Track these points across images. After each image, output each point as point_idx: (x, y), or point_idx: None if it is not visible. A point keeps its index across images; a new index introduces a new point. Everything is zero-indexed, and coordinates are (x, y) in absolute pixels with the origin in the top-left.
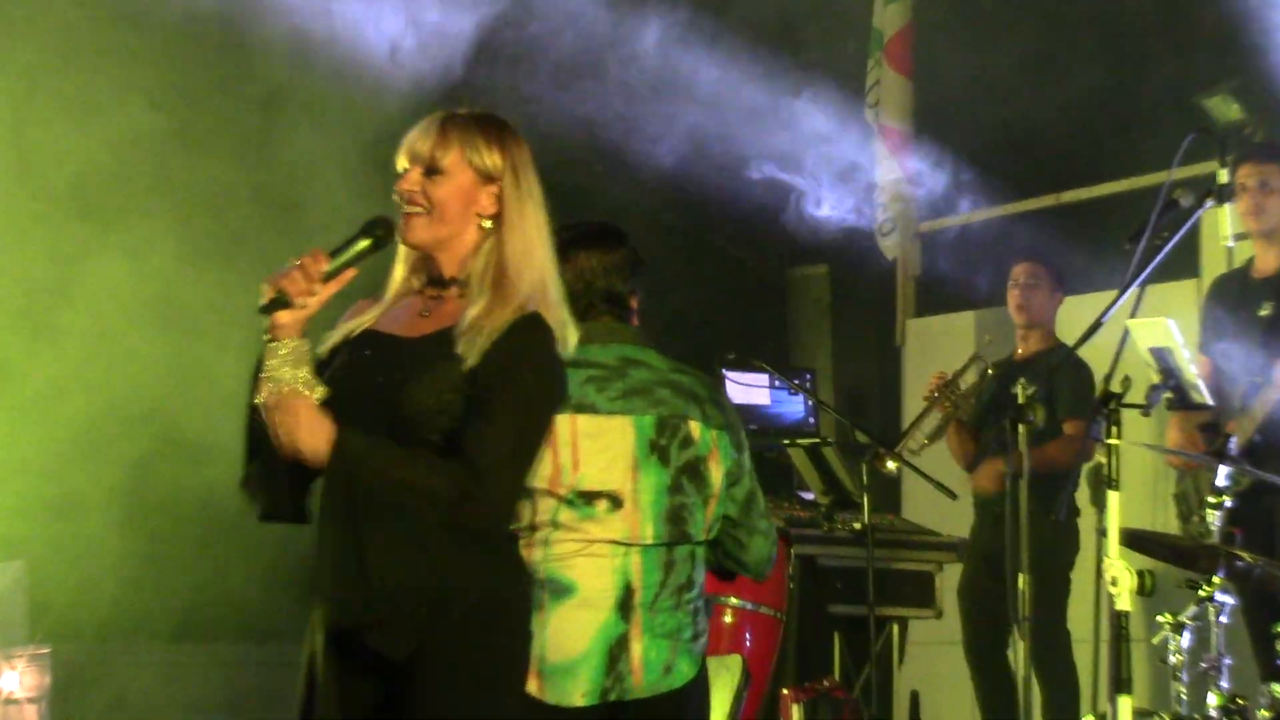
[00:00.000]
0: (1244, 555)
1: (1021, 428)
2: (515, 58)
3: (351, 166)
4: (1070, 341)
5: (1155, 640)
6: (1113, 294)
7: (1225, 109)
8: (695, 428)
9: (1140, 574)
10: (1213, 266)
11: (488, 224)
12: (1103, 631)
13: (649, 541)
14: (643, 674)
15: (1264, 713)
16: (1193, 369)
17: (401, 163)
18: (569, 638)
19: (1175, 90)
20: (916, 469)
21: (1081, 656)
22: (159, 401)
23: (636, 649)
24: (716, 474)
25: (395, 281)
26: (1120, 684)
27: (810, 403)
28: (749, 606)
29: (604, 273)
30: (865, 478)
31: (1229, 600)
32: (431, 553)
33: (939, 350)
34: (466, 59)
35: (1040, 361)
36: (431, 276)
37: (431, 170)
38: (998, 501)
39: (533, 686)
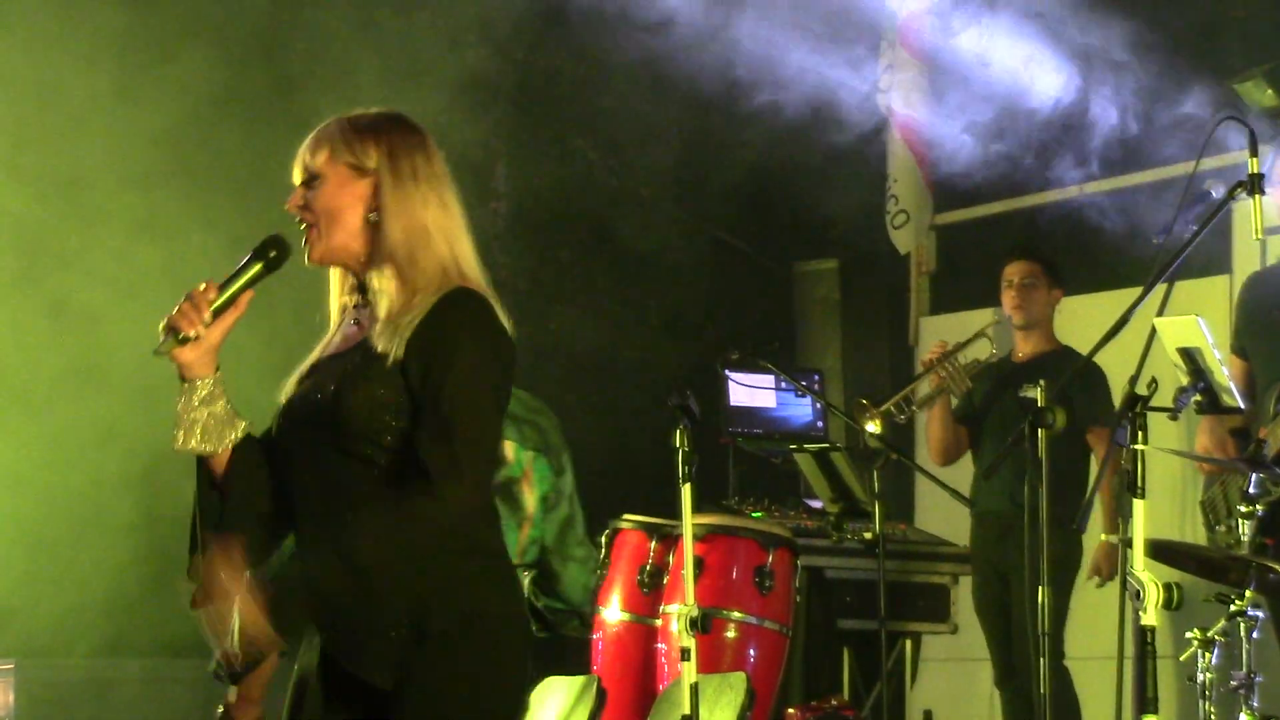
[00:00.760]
0: (1276, 567)
1: (1041, 432)
2: None
3: None
4: (1090, 342)
5: (1183, 657)
6: (1139, 290)
7: (1259, 94)
8: (509, 448)
9: (1167, 587)
10: (1245, 261)
11: (374, 217)
12: (1128, 648)
13: (520, 561)
14: None
15: None
16: (1224, 371)
17: (295, 180)
18: None
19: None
20: (927, 472)
21: (1106, 674)
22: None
23: None
24: (530, 497)
25: (334, 308)
26: (1147, 703)
27: (818, 405)
28: (753, 621)
29: None
30: (876, 485)
31: (1260, 614)
32: (415, 573)
33: None
34: None
35: (1043, 363)
36: (357, 287)
37: (309, 180)
38: (1005, 514)
39: None
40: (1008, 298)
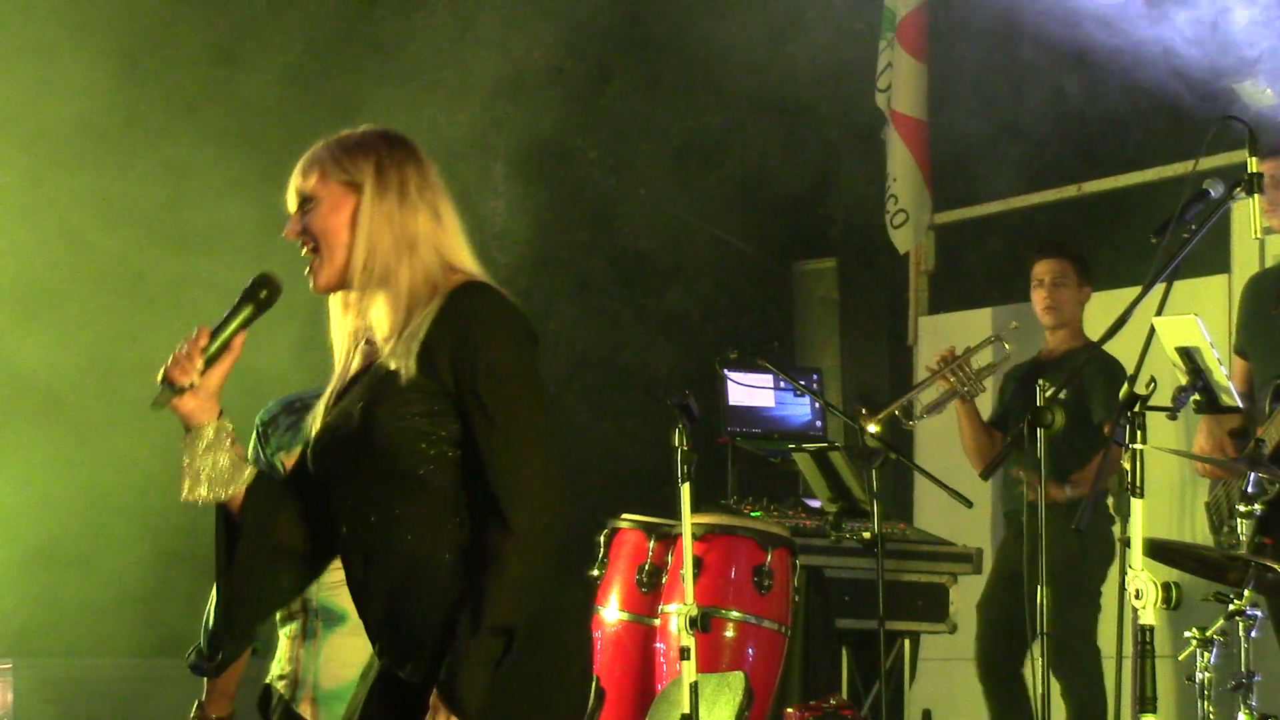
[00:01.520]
0: (1275, 566)
1: (1040, 432)
2: None
3: None
4: (1094, 339)
5: (1182, 656)
6: (1138, 290)
7: (1258, 94)
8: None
9: (1166, 586)
10: (1244, 260)
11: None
12: (1126, 647)
13: None
14: None
15: None
16: (1223, 370)
17: (289, 208)
18: (340, 665)
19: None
20: (926, 472)
21: (1105, 673)
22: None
23: None
24: None
25: (336, 347)
26: (1145, 702)
27: (817, 404)
28: (752, 620)
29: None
30: (875, 484)
31: (1259, 614)
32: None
33: None
34: None
35: (1073, 358)
36: (361, 312)
37: (304, 203)
38: (1021, 512)
39: (307, 712)
40: (1038, 297)
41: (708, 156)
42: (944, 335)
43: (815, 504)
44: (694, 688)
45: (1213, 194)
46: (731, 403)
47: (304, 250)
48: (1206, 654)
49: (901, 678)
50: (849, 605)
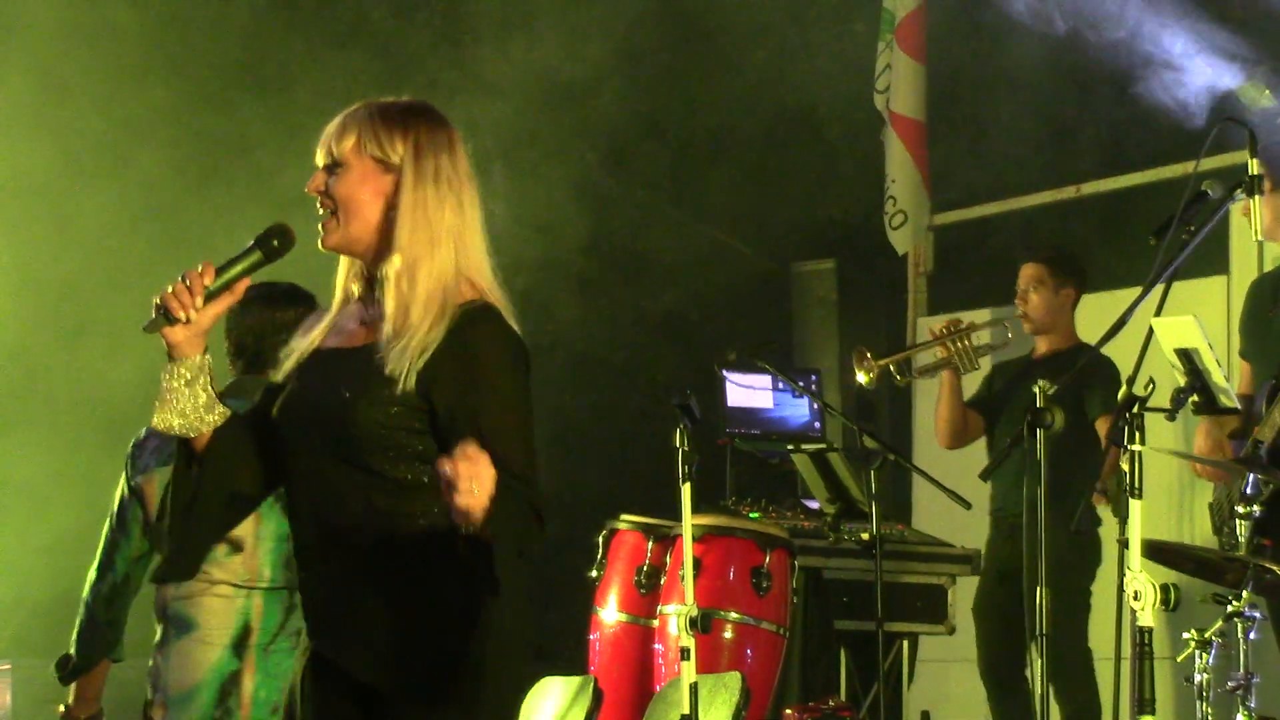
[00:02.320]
0: (1273, 568)
1: (1040, 432)
2: None
3: None
4: (1092, 340)
5: (1180, 658)
6: (1137, 291)
7: (1257, 95)
8: None
9: (1164, 588)
10: (1243, 262)
11: (393, 215)
12: (1124, 648)
13: (266, 585)
14: (250, 710)
15: None
16: (1221, 371)
17: (317, 161)
18: (186, 671)
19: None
20: (925, 473)
21: (1103, 675)
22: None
23: (248, 686)
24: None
25: (338, 290)
26: (1143, 704)
27: (816, 406)
28: (750, 622)
29: (274, 331)
30: (874, 486)
31: (1258, 615)
32: (409, 571)
33: None
34: None
35: (1060, 360)
36: (366, 279)
37: (333, 166)
38: (1014, 513)
39: (158, 716)
40: (1018, 304)
41: (707, 157)
42: None
43: (814, 505)
44: (694, 688)
45: (1212, 195)
46: (730, 404)
47: (321, 209)
48: (1205, 655)
49: (900, 679)
50: (847, 606)
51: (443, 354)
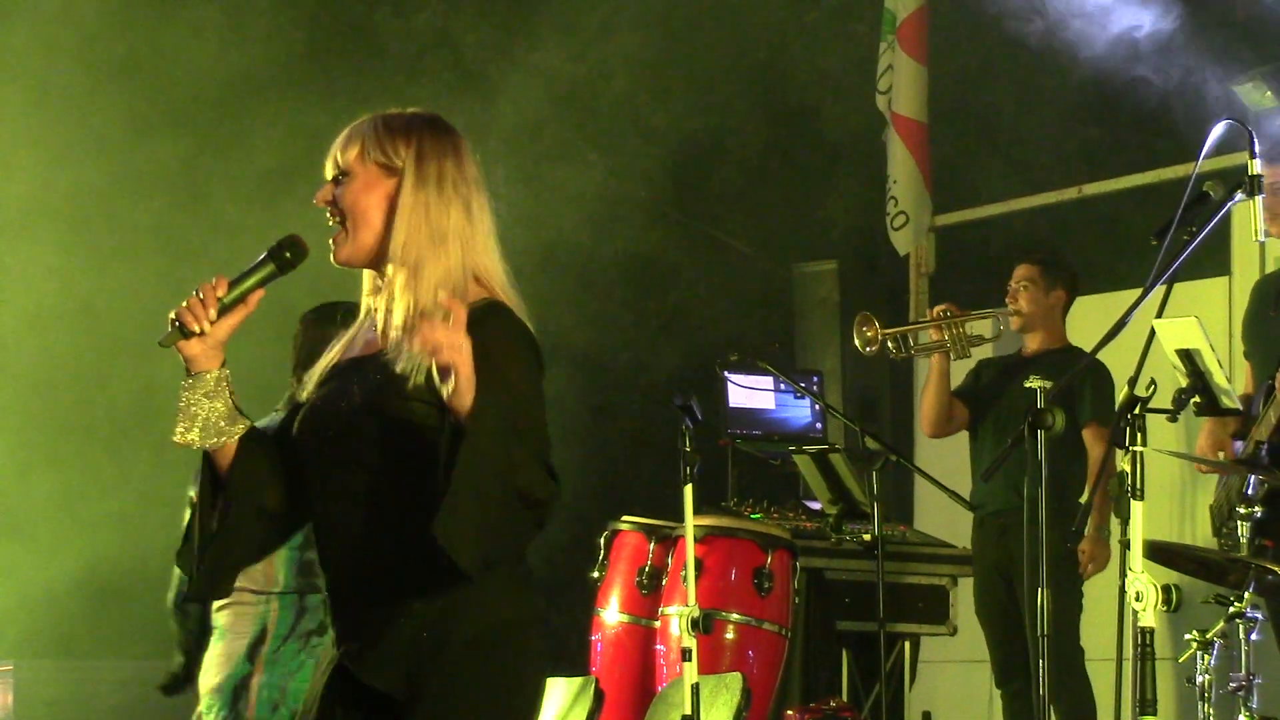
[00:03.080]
0: (1275, 569)
1: (1040, 433)
2: None
3: None
4: (1089, 342)
5: (1182, 659)
6: (1138, 292)
7: (1258, 96)
8: None
9: (1166, 589)
10: (1244, 263)
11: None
12: (1126, 649)
13: (280, 589)
14: (255, 710)
15: None
16: (1223, 372)
17: (326, 174)
18: (209, 676)
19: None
20: (926, 474)
21: (1105, 676)
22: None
23: (254, 687)
24: None
25: (363, 306)
26: (1145, 705)
27: (817, 407)
28: (751, 622)
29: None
30: (875, 487)
31: (1259, 616)
32: (431, 582)
33: None
34: None
35: (1048, 359)
36: (380, 290)
37: (340, 176)
38: (1006, 512)
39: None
40: (1008, 301)
41: (709, 157)
42: None
43: (815, 506)
44: (695, 689)
45: (1212, 196)
46: (732, 405)
47: (331, 220)
48: (1207, 656)
49: (901, 680)
50: (849, 607)
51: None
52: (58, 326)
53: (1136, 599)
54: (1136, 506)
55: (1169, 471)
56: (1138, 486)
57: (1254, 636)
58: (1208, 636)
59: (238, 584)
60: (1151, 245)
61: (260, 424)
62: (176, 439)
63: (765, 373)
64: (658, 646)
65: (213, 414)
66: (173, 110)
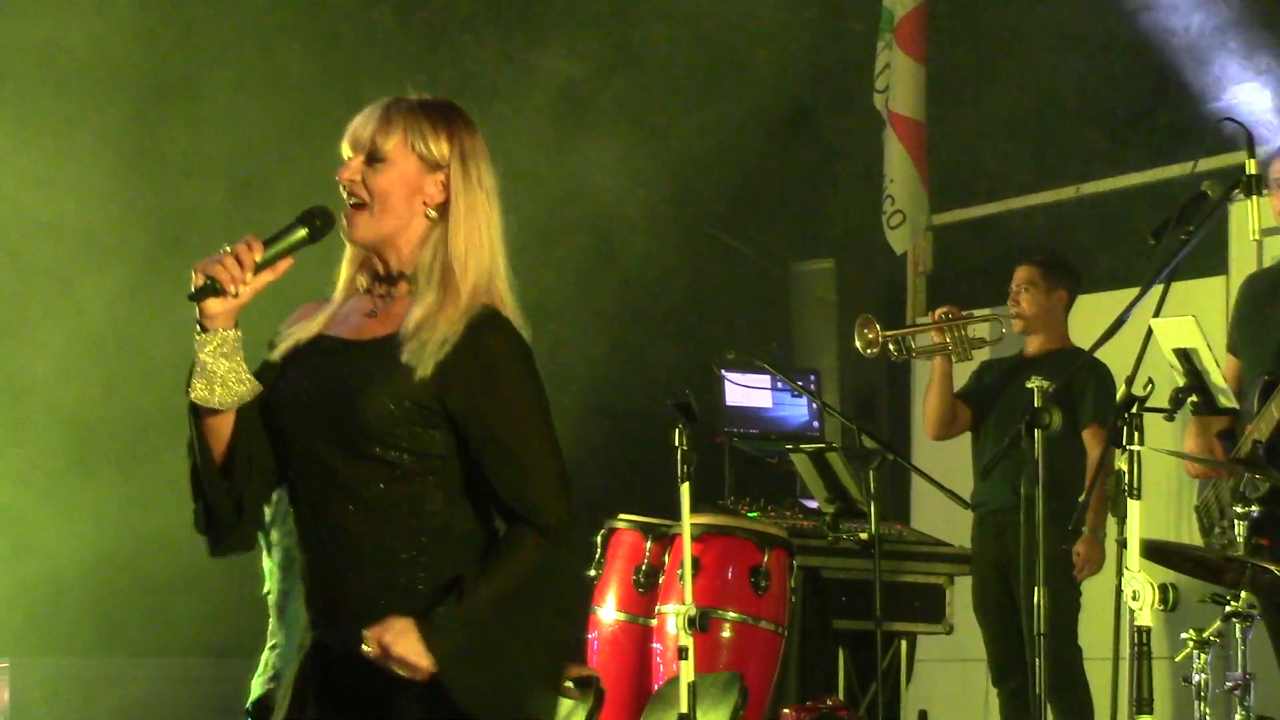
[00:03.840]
0: (1271, 568)
1: (1038, 433)
2: None
3: None
4: (1087, 341)
5: (1178, 658)
6: (1136, 291)
7: (1257, 96)
8: None
9: (1162, 588)
10: (1242, 262)
11: (434, 215)
12: (1123, 648)
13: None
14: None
15: None
16: (1220, 372)
17: (345, 151)
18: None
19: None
20: (924, 473)
21: (1101, 675)
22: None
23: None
24: None
25: (342, 281)
26: (1141, 704)
27: (814, 405)
28: (748, 621)
29: None
30: (872, 485)
31: (1256, 615)
32: (410, 560)
33: None
34: None
35: (1051, 360)
36: (378, 274)
37: (373, 158)
38: (1005, 511)
39: None
40: (1010, 304)
41: (707, 157)
42: None
43: (812, 505)
44: (692, 687)
45: (1210, 195)
46: (729, 403)
47: (350, 199)
48: (1203, 655)
49: (898, 678)
50: (846, 606)
51: (461, 349)
52: (58, 326)
53: (1133, 598)
54: (1133, 505)
55: (1166, 471)
56: (1135, 485)
57: (1250, 636)
58: (1204, 636)
59: None
60: (1149, 244)
61: None
62: (194, 398)
63: (762, 371)
64: (654, 645)
65: (230, 374)
66: (209, 157)
